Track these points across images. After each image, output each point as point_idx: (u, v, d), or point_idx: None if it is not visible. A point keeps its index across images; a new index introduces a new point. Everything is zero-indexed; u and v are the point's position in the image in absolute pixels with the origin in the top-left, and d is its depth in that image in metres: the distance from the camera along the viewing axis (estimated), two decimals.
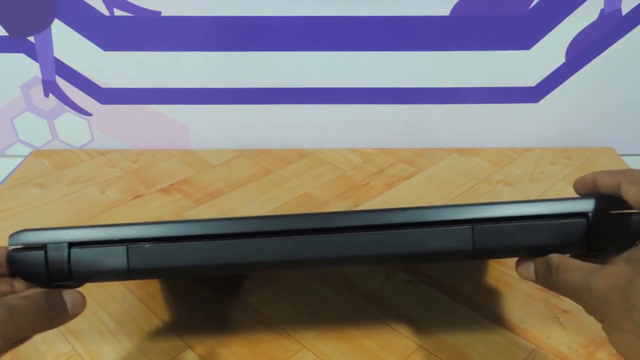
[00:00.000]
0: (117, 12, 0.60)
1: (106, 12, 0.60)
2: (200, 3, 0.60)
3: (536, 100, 0.66)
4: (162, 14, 0.60)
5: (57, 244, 0.31)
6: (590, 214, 0.31)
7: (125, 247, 0.31)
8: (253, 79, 0.65)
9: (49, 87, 0.65)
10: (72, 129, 0.68)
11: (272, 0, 0.59)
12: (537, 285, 0.45)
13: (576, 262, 0.30)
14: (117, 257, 0.31)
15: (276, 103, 0.66)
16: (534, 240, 0.32)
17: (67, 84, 0.65)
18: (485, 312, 0.43)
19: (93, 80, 0.65)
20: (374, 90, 0.65)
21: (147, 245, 0.31)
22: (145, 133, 0.69)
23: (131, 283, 0.45)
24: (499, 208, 0.32)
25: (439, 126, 0.68)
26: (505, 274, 0.47)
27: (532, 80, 0.65)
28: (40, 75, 0.64)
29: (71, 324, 0.31)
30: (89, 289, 0.32)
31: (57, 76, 0.65)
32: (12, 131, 0.68)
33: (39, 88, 0.65)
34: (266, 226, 0.32)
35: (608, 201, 0.31)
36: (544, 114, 0.66)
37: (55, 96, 0.66)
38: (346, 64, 0.63)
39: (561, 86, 0.65)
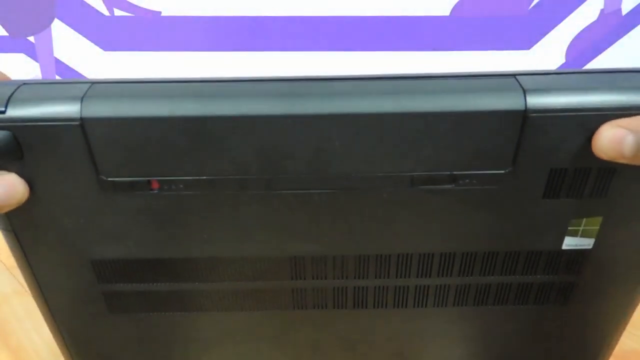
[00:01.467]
0: (117, 12, 0.60)
1: (106, 12, 0.60)
2: (200, 3, 0.60)
3: None
4: (162, 14, 0.60)
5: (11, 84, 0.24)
6: None
7: (81, 87, 0.24)
8: None
9: None
10: None
11: (272, 0, 0.59)
12: None
13: None
14: (69, 98, 0.23)
15: None
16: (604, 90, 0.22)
17: None
18: None
19: None
20: None
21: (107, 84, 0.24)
22: None
23: None
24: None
25: None
26: None
27: None
28: (40, 76, 0.64)
29: None
30: None
31: (57, 76, 0.65)
32: None
33: None
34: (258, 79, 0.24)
35: None
36: None
37: None
38: (346, 64, 0.63)
39: None
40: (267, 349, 0.32)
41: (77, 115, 0.23)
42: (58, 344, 0.31)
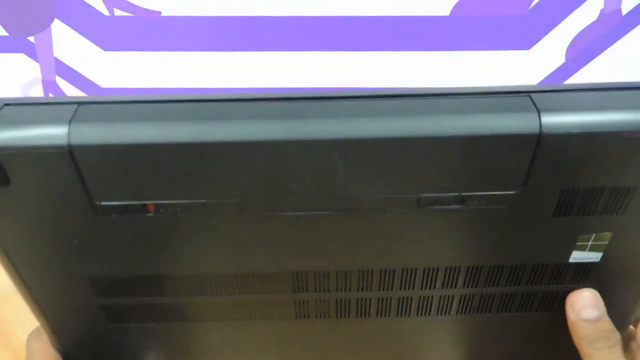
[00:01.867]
0: (117, 12, 0.60)
1: (106, 12, 0.60)
2: (200, 3, 0.60)
3: None
4: (162, 14, 0.60)
5: None
6: None
7: (68, 109, 0.22)
8: (253, 79, 0.65)
9: (49, 87, 0.65)
10: None
11: (271, 0, 0.59)
12: None
13: None
14: (55, 122, 0.22)
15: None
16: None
17: (67, 84, 0.65)
18: None
19: (93, 80, 0.65)
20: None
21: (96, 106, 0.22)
22: None
23: None
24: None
25: None
26: None
27: (532, 81, 0.65)
28: (40, 76, 0.64)
29: None
30: None
31: (57, 76, 0.65)
32: None
33: (39, 88, 0.65)
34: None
35: None
36: None
37: (56, 96, 0.66)
38: (346, 64, 0.63)
39: None
40: (267, 357, 0.32)
41: (65, 142, 0.22)
42: (56, 350, 0.31)
